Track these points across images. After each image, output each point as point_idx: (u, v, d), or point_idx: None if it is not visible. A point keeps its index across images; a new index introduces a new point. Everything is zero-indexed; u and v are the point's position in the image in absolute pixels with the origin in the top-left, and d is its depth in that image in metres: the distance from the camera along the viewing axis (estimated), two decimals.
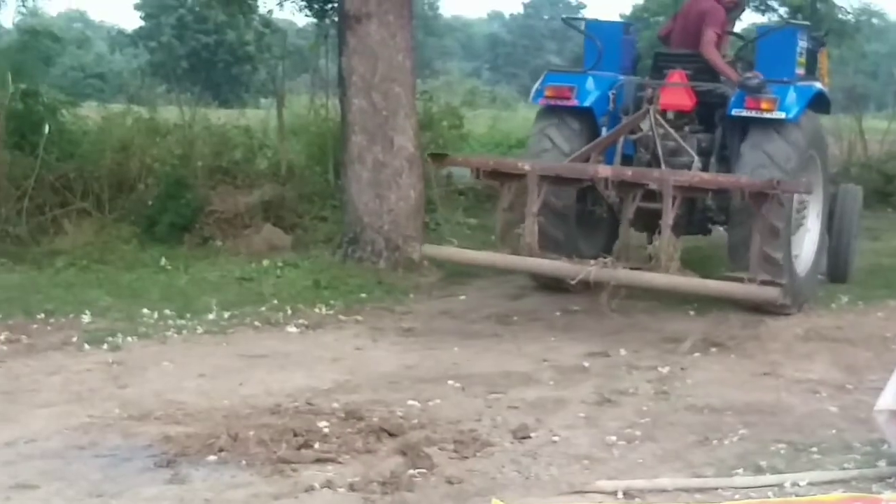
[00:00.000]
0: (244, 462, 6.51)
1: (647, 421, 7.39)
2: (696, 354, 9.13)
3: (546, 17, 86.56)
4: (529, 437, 7.18)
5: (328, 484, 6.29)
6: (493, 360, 8.88)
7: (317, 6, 18.64)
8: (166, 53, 59.05)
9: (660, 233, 9.46)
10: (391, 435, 7.00)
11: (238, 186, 14.42)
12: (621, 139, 10.43)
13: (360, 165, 12.66)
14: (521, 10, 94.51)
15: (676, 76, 10.64)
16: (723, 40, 11.05)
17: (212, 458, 6.50)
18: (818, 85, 10.81)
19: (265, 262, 12.34)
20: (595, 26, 11.66)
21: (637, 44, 11.85)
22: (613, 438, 7.15)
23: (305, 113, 18.11)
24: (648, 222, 9.90)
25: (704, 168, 10.25)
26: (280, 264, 12.29)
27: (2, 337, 9.13)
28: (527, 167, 9.59)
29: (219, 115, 17.85)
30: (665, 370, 8.61)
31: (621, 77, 11.01)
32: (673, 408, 7.89)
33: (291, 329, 9.60)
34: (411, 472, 6.51)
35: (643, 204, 9.45)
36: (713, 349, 9.25)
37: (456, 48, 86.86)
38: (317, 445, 6.68)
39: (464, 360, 8.89)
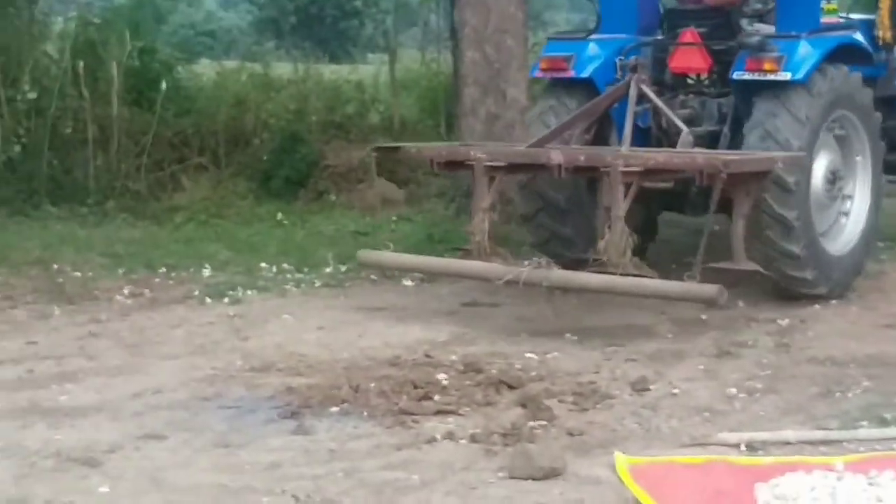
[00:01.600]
0: (366, 413, 6.60)
1: (767, 373, 7.34)
2: (816, 306, 9.02)
3: None
4: (649, 390, 7.18)
5: (449, 435, 6.34)
6: (610, 312, 8.86)
7: None
8: (275, 9, 59.54)
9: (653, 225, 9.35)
10: (510, 387, 7.04)
11: (351, 141, 14.57)
12: (630, 111, 8.91)
13: (472, 118, 12.69)
14: None
15: (688, 35, 9.26)
16: None
17: (334, 409, 6.61)
18: (848, 34, 9.47)
19: (379, 217, 12.46)
20: None
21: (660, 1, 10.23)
22: (734, 391, 7.11)
23: (416, 67, 18.19)
24: (670, 201, 9.41)
25: (712, 138, 9.17)
26: (394, 218, 12.43)
27: (125, 291, 9.36)
28: (479, 155, 8.58)
29: (330, 70, 17.94)
30: (784, 322, 8.53)
31: (635, 38, 9.75)
32: (794, 360, 7.82)
33: (407, 282, 9.70)
34: (531, 423, 6.52)
35: (650, 184, 8.48)
36: (833, 301, 9.12)
37: (562, 0, 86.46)
38: (437, 397, 6.75)
39: (581, 312, 8.88)
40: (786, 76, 8.53)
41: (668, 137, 9.00)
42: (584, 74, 9.38)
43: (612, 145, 9.11)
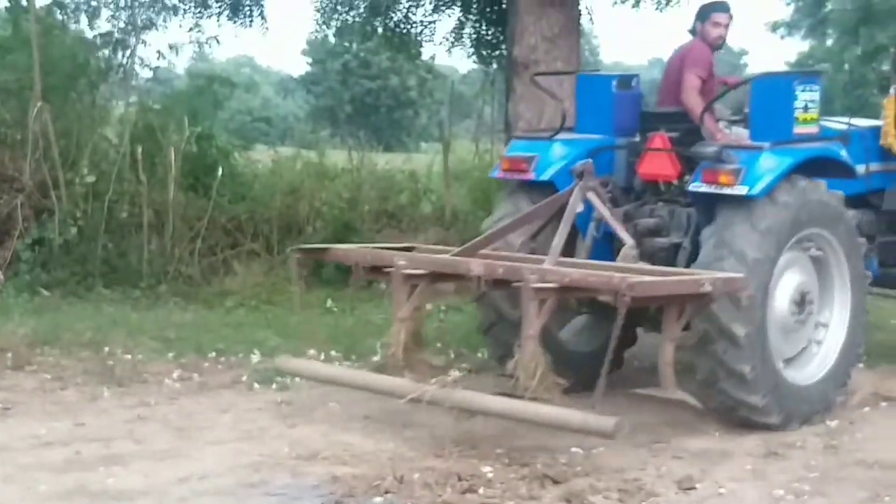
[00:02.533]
0: None
1: (815, 475, 7.21)
2: (866, 409, 8.88)
3: None
4: (695, 489, 7.07)
5: None
6: (657, 408, 8.76)
7: (484, 52, 18.74)
8: (331, 98, 60.16)
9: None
10: (555, 482, 6.97)
11: (403, 230, 14.63)
12: (567, 220, 8.13)
13: None
14: None
15: (658, 140, 8.50)
16: (710, 87, 8.97)
17: (378, 499, 6.57)
18: (825, 145, 8.54)
19: (428, 306, 12.49)
20: (584, 80, 9.68)
21: (639, 100, 9.35)
22: (781, 492, 6.99)
23: (469, 158, 18.30)
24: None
25: (677, 251, 8.42)
26: (443, 308, 12.37)
27: (175, 375, 9.41)
28: (399, 262, 7.87)
29: (385, 160, 18.05)
30: (833, 424, 8.39)
31: (607, 140, 9.03)
32: (842, 463, 7.67)
33: (454, 373, 9.68)
34: None
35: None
36: (883, 403, 8.98)
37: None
38: (481, 490, 6.68)
39: (627, 408, 8.71)
40: (742, 190, 7.78)
41: (640, 245, 8.25)
42: (545, 177, 8.64)
43: (577, 255, 8.43)
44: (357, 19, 18.73)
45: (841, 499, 6.76)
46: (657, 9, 17.72)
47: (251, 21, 18.28)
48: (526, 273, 7.16)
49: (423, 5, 18.50)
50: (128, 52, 17.60)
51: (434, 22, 18.83)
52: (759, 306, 7.77)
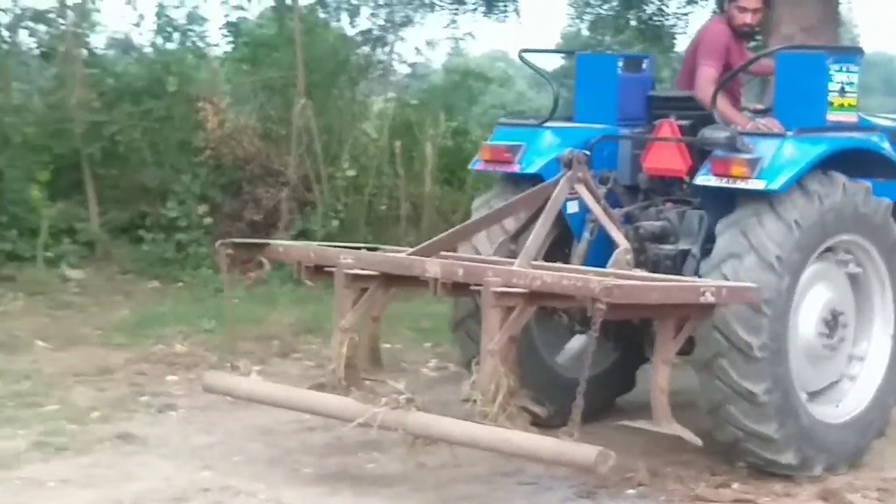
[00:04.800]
0: (663, 498, 6.57)
1: None
2: None
3: None
4: None
5: None
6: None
7: None
8: None
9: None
10: (811, 479, 6.88)
11: None
12: (549, 217, 6.93)
13: None
14: None
15: (665, 128, 7.38)
16: (732, 72, 7.76)
17: (630, 491, 6.61)
18: (864, 136, 7.41)
19: None
20: (585, 61, 8.47)
21: (648, 84, 8.18)
22: None
23: None
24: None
25: (677, 257, 7.24)
26: None
27: (431, 364, 9.68)
28: (345, 261, 6.75)
29: None
30: None
31: (610, 129, 7.88)
32: None
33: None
34: None
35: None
36: None
37: (877, 83, 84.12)
38: (735, 485, 6.65)
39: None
40: (759, 184, 6.57)
41: (643, 252, 7.18)
42: (532, 170, 7.43)
43: (571, 261, 7.24)
44: (610, 13, 18.71)
45: None
46: None
47: (506, 16, 18.47)
48: (488, 275, 6.08)
49: None
50: (386, 49, 17.98)
51: (688, 14, 18.66)
52: (780, 320, 6.59)
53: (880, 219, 7.09)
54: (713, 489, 6.65)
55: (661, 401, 6.10)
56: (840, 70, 7.13)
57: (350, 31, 17.68)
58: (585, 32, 20.83)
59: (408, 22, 18.51)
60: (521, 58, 9.79)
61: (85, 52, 15.21)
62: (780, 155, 6.64)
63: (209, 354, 9.80)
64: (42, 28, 15.93)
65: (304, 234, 13.53)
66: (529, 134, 7.63)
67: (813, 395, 7.01)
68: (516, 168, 7.49)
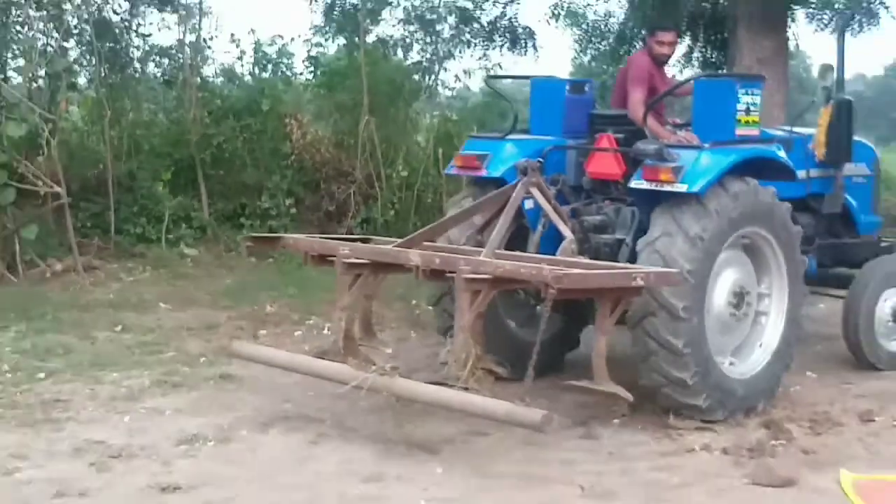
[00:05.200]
0: (640, 426, 6.61)
1: None
2: None
3: None
4: (874, 421, 6.92)
5: (706, 447, 6.33)
6: (847, 355, 8.31)
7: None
8: None
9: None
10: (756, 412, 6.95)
11: None
12: (508, 215, 6.82)
13: None
14: (881, 72, 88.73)
15: (604, 140, 7.24)
16: (656, 95, 7.57)
17: (615, 421, 6.66)
18: (765, 147, 7.28)
19: None
20: (537, 84, 8.09)
21: (590, 104, 7.94)
22: None
23: None
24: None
25: (614, 245, 7.06)
26: None
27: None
28: (343, 251, 6.66)
29: None
30: None
31: (560, 140, 7.66)
32: None
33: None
34: (773, 442, 6.42)
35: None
36: None
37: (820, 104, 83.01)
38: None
39: (823, 355, 8.51)
40: (682, 187, 6.47)
41: (586, 241, 7.01)
42: (496, 174, 7.26)
43: (528, 249, 7.04)
44: (606, 48, 18.58)
45: None
46: (853, 35, 16.97)
47: (525, 51, 18.38)
48: (460, 264, 5.99)
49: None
50: (433, 77, 17.98)
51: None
52: (697, 313, 6.45)
53: (780, 217, 6.96)
54: (680, 420, 6.65)
55: (599, 365, 6.03)
56: (746, 94, 7.06)
57: (405, 63, 17.71)
58: (592, 63, 20.71)
59: (449, 55, 18.42)
60: (486, 82, 9.80)
61: (199, 79, 15.26)
62: (699, 163, 6.55)
63: (292, 314, 9.83)
64: (166, 61, 16.34)
65: (367, 222, 13.69)
66: (493, 145, 7.47)
67: (723, 354, 6.88)
68: (483, 173, 7.34)
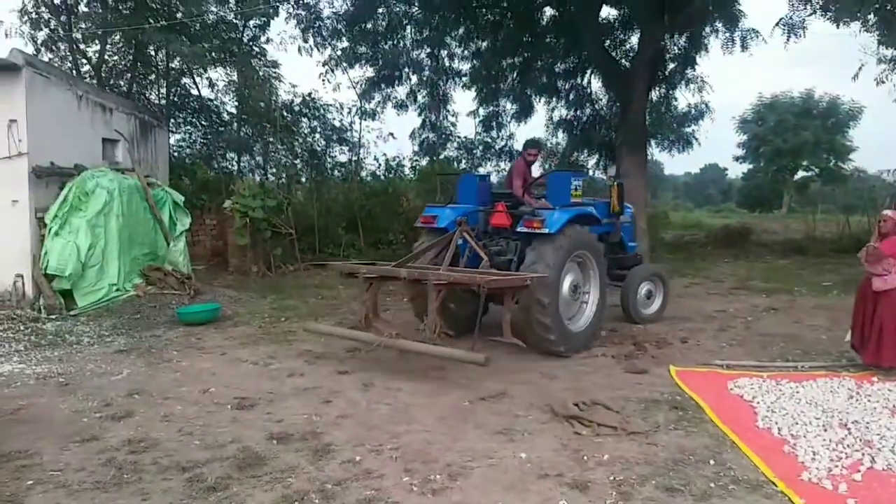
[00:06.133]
0: (611, 353, 6.39)
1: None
2: None
3: None
4: (687, 342, 6.73)
5: (603, 355, 6.21)
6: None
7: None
8: None
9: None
10: (646, 346, 6.60)
11: None
12: (452, 246, 6.62)
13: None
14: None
15: (500, 205, 7.05)
16: (527, 182, 7.31)
17: (594, 350, 6.40)
18: (585, 208, 7.02)
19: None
20: (464, 177, 7.64)
21: (490, 187, 7.55)
22: (724, 345, 6.59)
23: None
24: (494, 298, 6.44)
25: (510, 264, 6.67)
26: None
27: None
28: (362, 270, 6.29)
29: None
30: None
31: (473, 207, 7.25)
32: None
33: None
34: (638, 352, 6.34)
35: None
36: None
37: (713, 188, 56.21)
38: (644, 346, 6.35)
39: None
40: (546, 230, 6.36)
41: (492, 261, 6.67)
42: (443, 225, 7.01)
43: (458, 265, 6.69)
44: (581, 134, 16.50)
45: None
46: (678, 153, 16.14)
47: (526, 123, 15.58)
48: (430, 276, 5.82)
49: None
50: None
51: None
52: (554, 300, 6.31)
53: (594, 244, 6.84)
54: (629, 348, 6.62)
55: (506, 328, 5.87)
56: (576, 180, 6.97)
57: (463, 164, 17.03)
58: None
59: (479, 165, 17.27)
60: (438, 177, 9.58)
61: (360, 178, 15.68)
62: (553, 218, 6.47)
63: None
64: (343, 169, 16.39)
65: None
66: (440, 210, 7.19)
67: (569, 319, 6.63)
68: (435, 224, 7.06)
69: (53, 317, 7.92)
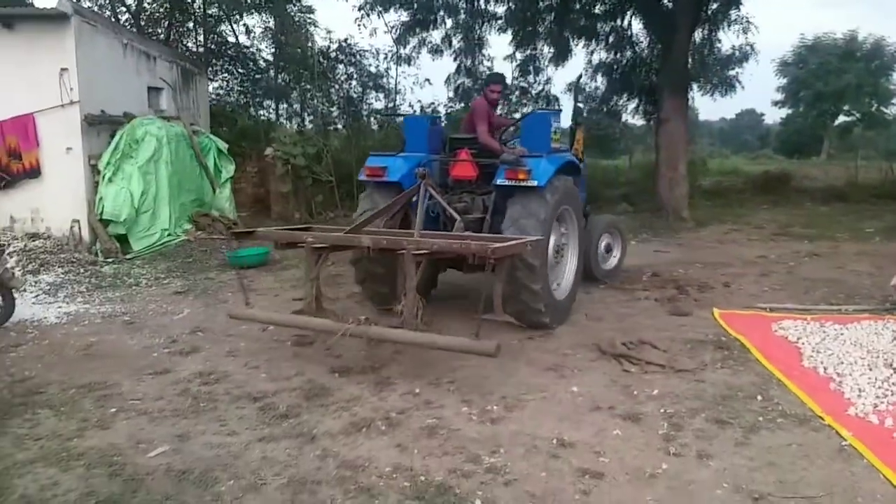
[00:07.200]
0: (608, 290, 6.84)
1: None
2: None
3: None
4: (729, 286, 6.75)
5: (647, 298, 6.30)
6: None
7: None
8: None
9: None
10: (677, 283, 6.78)
11: None
12: (421, 205, 5.42)
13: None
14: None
15: (463, 153, 6.05)
16: (493, 125, 6.25)
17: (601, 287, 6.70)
18: (569, 155, 6.19)
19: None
20: (409, 120, 6.51)
21: (442, 132, 6.39)
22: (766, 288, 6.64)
23: None
24: (452, 263, 5.63)
25: (477, 224, 5.70)
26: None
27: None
28: (308, 238, 4.95)
29: None
30: None
31: (427, 156, 6.12)
32: None
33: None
34: (681, 295, 6.39)
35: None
36: None
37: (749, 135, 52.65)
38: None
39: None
40: (534, 183, 5.44)
41: (451, 222, 5.50)
42: (395, 179, 5.83)
43: (411, 228, 5.55)
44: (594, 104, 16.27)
45: None
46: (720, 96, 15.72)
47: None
48: (405, 243, 4.58)
49: None
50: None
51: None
52: (544, 267, 5.44)
53: (576, 196, 6.02)
54: (671, 292, 6.62)
55: (498, 302, 4.61)
56: (555, 122, 6.10)
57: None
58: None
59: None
60: (378, 118, 8.75)
61: (395, 123, 15.25)
62: (540, 167, 5.54)
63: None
64: (378, 116, 16.12)
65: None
66: (390, 159, 6.01)
67: (555, 287, 5.84)
68: (385, 178, 5.87)
69: (111, 260, 8.19)
